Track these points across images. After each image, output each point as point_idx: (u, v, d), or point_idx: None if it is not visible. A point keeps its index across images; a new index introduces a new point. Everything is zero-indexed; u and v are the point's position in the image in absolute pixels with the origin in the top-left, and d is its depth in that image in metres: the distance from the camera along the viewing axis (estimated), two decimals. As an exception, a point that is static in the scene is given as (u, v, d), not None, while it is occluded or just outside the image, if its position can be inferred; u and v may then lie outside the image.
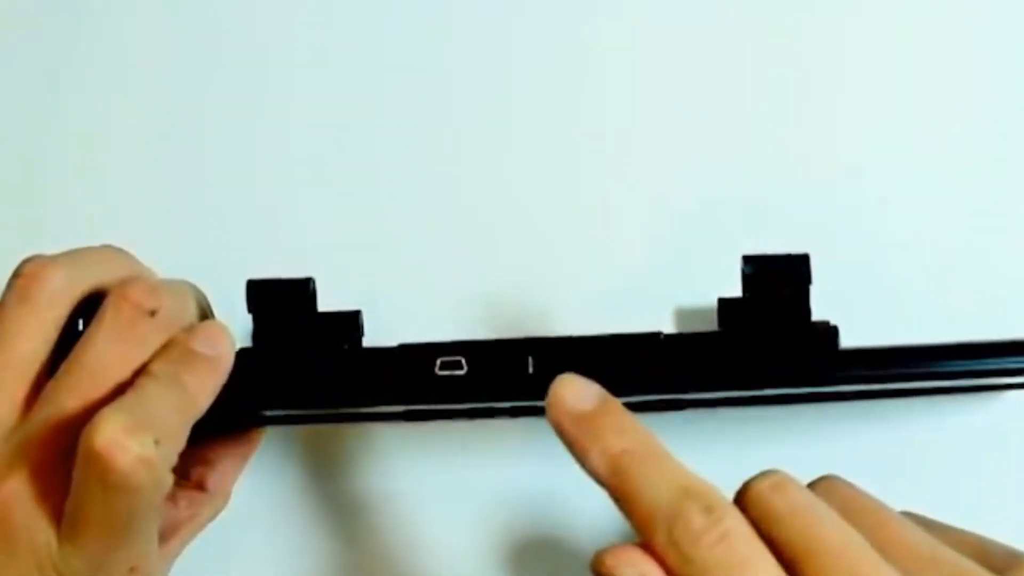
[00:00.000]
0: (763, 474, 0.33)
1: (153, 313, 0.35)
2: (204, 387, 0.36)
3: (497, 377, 0.36)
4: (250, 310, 0.38)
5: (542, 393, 0.37)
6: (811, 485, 0.35)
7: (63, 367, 0.35)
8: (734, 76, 0.46)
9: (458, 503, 0.44)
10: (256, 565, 0.45)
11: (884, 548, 0.31)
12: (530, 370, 0.37)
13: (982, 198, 0.45)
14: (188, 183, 0.47)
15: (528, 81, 0.47)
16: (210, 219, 0.46)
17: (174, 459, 0.34)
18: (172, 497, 0.41)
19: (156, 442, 0.33)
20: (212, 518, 0.43)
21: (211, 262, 0.42)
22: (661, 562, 0.30)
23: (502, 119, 0.46)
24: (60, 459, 0.34)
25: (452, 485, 0.44)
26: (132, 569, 0.35)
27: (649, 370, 0.37)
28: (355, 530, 0.44)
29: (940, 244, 0.45)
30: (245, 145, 0.47)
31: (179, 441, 0.34)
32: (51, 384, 0.35)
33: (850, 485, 0.36)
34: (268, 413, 0.43)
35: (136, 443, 0.32)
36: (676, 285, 0.44)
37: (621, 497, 0.32)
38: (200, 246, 0.46)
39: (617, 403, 0.34)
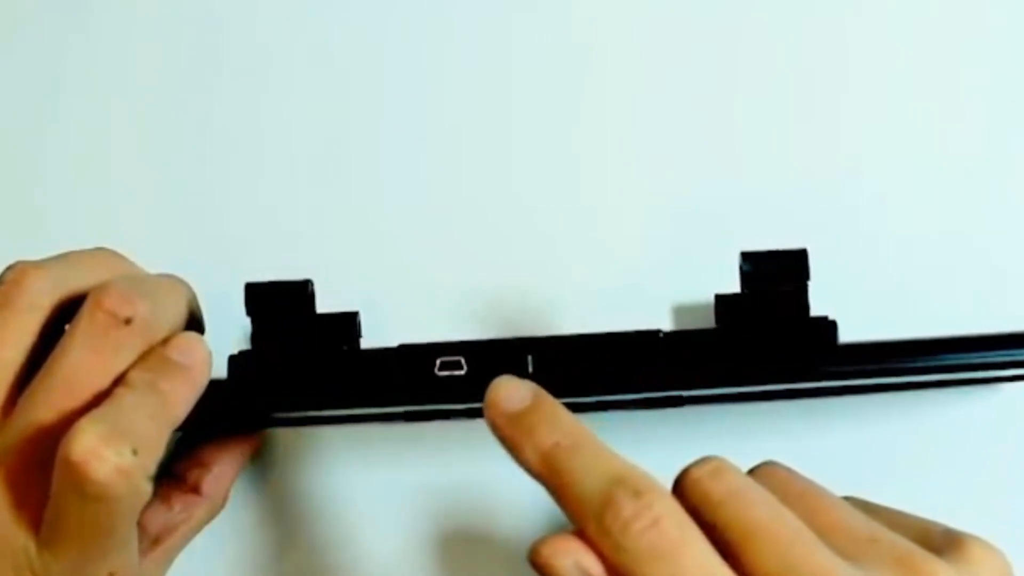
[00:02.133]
0: (701, 460, 0.33)
1: (128, 321, 0.35)
2: (181, 396, 0.36)
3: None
4: (249, 313, 0.38)
5: None
6: (751, 471, 0.35)
7: (38, 375, 0.35)
8: (732, 74, 0.46)
9: (456, 500, 0.44)
10: (253, 566, 0.45)
11: (822, 531, 0.31)
12: (530, 369, 0.37)
13: (980, 194, 0.45)
14: (187, 183, 0.46)
15: (526, 80, 0.47)
16: (208, 219, 0.46)
17: (152, 468, 0.34)
18: (167, 499, 0.42)
19: (134, 451, 0.33)
20: (209, 520, 0.43)
21: (209, 262, 0.42)
22: (596, 551, 0.30)
23: (500, 118, 0.46)
24: (37, 467, 0.34)
25: (450, 482, 0.44)
26: (111, 575, 0.35)
27: (649, 368, 0.37)
28: (352, 529, 0.44)
29: (938, 240, 0.45)
30: (244, 146, 0.47)
31: (157, 450, 0.34)
32: (27, 392, 0.35)
33: (789, 470, 0.36)
34: (270, 416, 0.43)
35: (113, 453, 0.32)
36: (674, 282, 0.44)
37: (554, 491, 0.32)
38: (198, 246, 0.46)
39: (550, 399, 0.34)
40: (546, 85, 0.46)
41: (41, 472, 0.33)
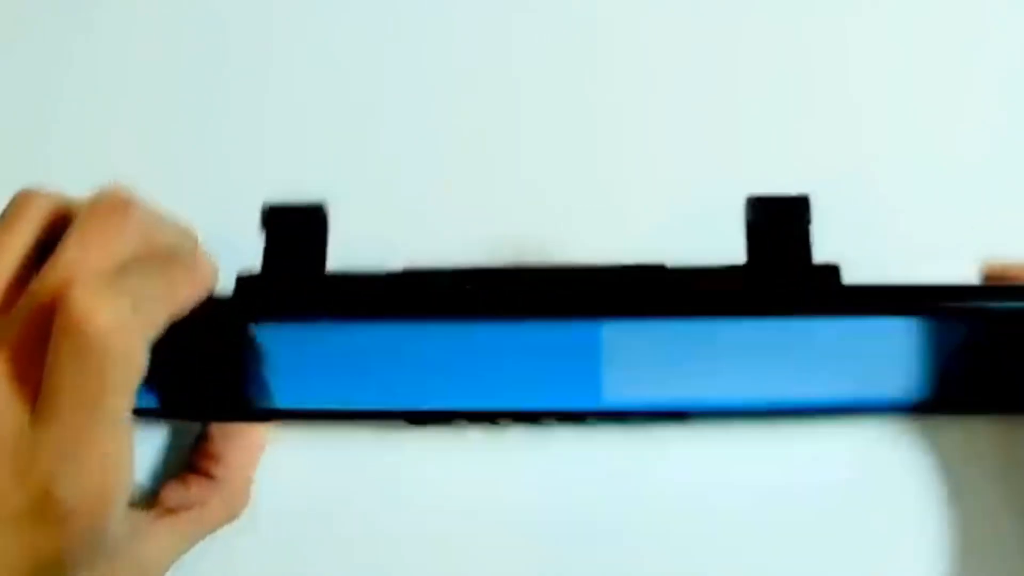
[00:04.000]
0: None
1: (130, 210, 0.35)
2: (186, 288, 0.36)
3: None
4: (264, 226, 0.39)
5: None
6: None
7: (46, 264, 0.35)
8: (732, 74, 0.47)
9: (457, 500, 0.44)
10: (252, 565, 0.45)
11: None
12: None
13: (981, 194, 0.45)
14: (187, 183, 0.47)
15: (528, 80, 0.47)
16: (208, 219, 0.45)
17: (149, 336, 0.34)
18: (183, 480, 0.42)
19: (133, 309, 0.33)
20: (225, 519, 0.43)
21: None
22: None
23: (502, 118, 0.47)
24: (37, 344, 0.34)
25: (450, 483, 0.44)
26: (104, 455, 0.34)
27: (652, 298, 0.38)
28: (352, 529, 0.44)
29: (942, 243, 0.45)
30: (244, 146, 0.47)
31: (155, 321, 0.34)
32: (33, 280, 0.35)
33: None
34: (274, 408, 0.43)
35: (111, 307, 0.32)
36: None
37: None
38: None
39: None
40: (548, 85, 0.47)
41: (41, 350, 0.33)
